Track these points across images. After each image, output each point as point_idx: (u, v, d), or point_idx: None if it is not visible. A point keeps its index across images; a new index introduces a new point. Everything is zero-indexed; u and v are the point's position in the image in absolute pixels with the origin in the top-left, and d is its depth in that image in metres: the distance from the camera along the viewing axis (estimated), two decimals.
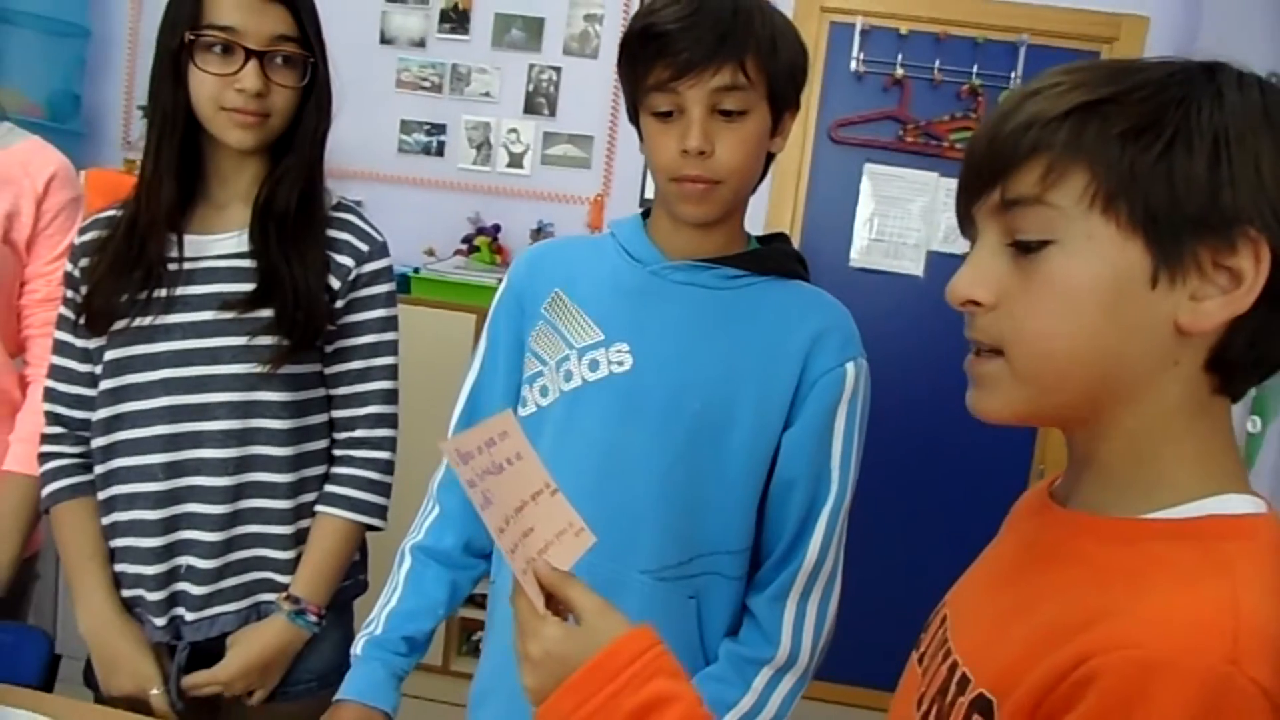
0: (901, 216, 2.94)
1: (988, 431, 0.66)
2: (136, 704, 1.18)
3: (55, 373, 1.25)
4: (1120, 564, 0.58)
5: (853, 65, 2.88)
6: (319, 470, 1.25)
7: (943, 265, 2.93)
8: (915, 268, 2.96)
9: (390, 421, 1.28)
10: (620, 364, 1.03)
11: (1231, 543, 0.56)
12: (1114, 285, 0.58)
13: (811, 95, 2.92)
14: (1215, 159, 0.56)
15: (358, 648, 1.10)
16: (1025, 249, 0.60)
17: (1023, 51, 2.81)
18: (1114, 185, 0.57)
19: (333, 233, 1.24)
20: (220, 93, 1.14)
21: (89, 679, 1.26)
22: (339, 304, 1.23)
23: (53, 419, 1.25)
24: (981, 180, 0.63)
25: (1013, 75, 2.82)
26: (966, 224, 0.66)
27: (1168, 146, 0.56)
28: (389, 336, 1.28)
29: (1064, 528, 0.65)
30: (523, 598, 0.70)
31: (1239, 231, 0.56)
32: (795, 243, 2.96)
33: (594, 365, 1.04)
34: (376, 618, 1.11)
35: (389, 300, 1.28)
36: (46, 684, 1.22)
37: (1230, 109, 0.57)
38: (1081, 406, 0.61)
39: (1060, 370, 0.60)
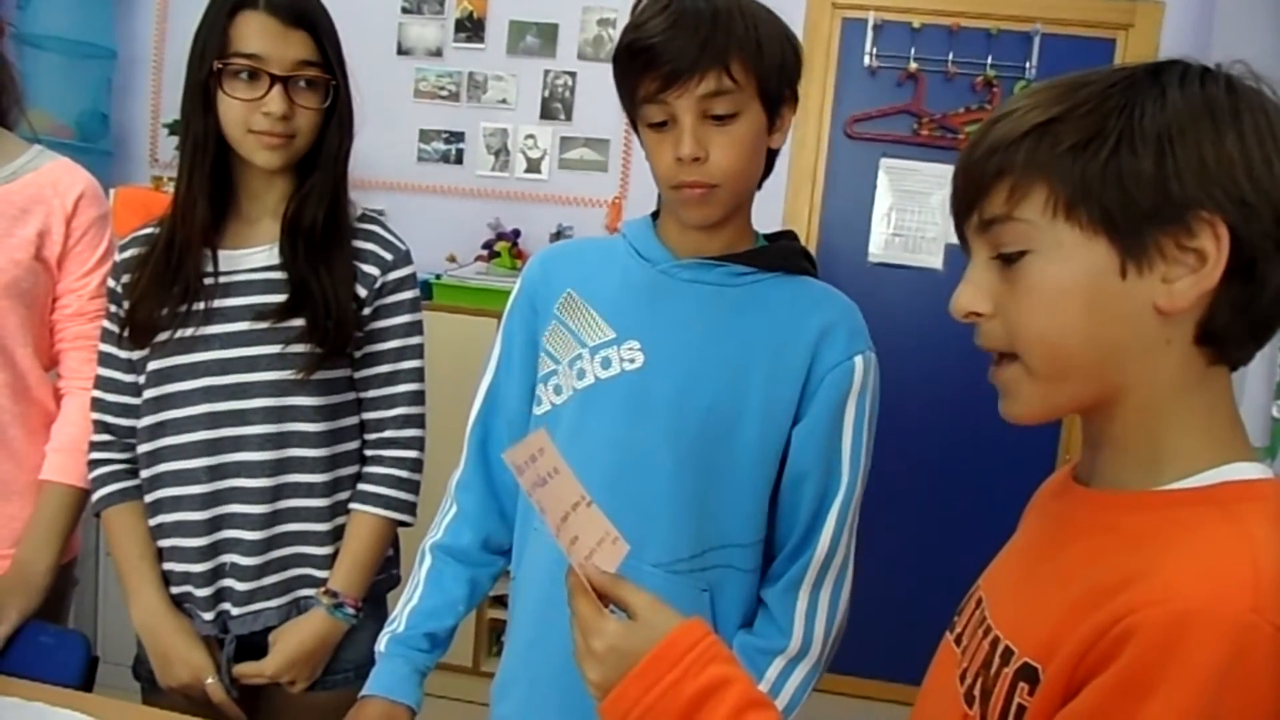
0: (920, 210, 2.94)
1: (1012, 424, 0.70)
2: (193, 693, 1.24)
3: (101, 383, 1.31)
4: (1146, 530, 0.63)
5: (866, 60, 2.88)
6: (352, 470, 1.30)
7: (963, 258, 2.90)
8: (935, 261, 2.95)
9: (418, 422, 1.33)
10: (632, 361, 1.05)
11: (1244, 504, 0.61)
12: (1088, 282, 0.64)
13: (825, 91, 2.92)
14: (1160, 155, 0.61)
15: (381, 645, 1.13)
16: (1008, 260, 0.67)
17: (1037, 41, 2.80)
18: (1070, 194, 0.63)
19: (358, 243, 1.29)
20: (247, 117, 1.19)
21: (138, 672, 1.32)
22: (366, 311, 1.28)
23: (100, 427, 1.31)
24: (963, 204, 0.70)
25: (1027, 65, 2.81)
26: (964, 244, 0.73)
27: (1113, 152, 0.62)
28: (415, 340, 1.32)
29: (1090, 505, 0.70)
30: (584, 600, 0.74)
31: (1193, 216, 0.61)
32: (813, 240, 3.00)
33: (606, 363, 1.06)
34: (399, 615, 1.14)
35: (414, 306, 1.33)
36: (85, 686, 1.25)
37: (1172, 106, 0.62)
38: (1092, 393, 0.66)
39: (1063, 361, 0.66)
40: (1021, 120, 0.65)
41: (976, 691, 0.69)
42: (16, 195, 1.34)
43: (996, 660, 0.68)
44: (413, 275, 1.33)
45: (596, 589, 0.74)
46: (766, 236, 1.12)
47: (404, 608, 1.14)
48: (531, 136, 3.04)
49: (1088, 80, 0.65)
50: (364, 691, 1.11)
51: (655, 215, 1.13)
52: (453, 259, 2.98)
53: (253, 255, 1.26)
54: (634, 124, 1.06)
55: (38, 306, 1.38)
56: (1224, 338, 0.64)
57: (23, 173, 1.36)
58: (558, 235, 3.00)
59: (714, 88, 0.96)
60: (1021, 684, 0.64)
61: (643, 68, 0.98)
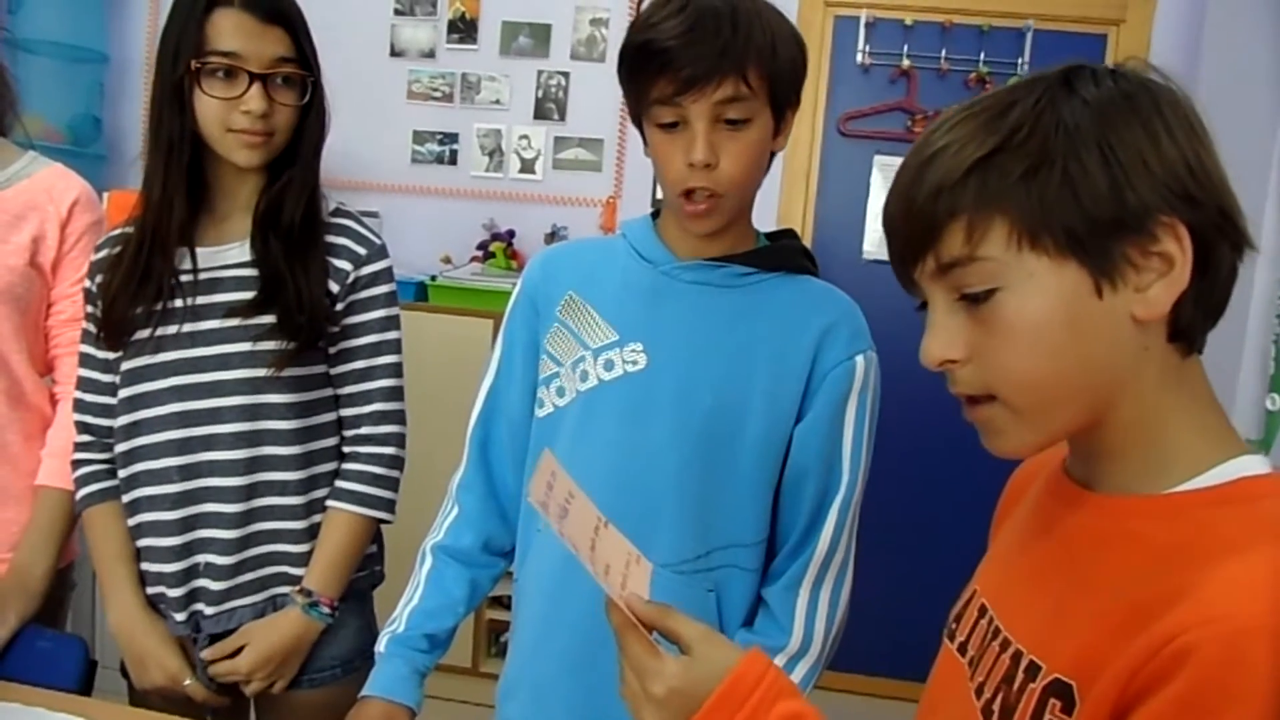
0: None
1: None
2: (168, 694, 1.24)
3: (82, 384, 1.30)
4: (1174, 539, 0.61)
5: (859, 58, 2.89)
6: (329, 467, 1.29)
7: None
8: None
9: (395, 418, 1.31)
10: (635, 363, 1.05)
11: (1265, 502, 0.61)
12: (1065, 308, 0.62)
13: (819, 89, 2.93)
14: (1106, 164, 0.60)
15: (381, 645, 1.13)
16: (975, 300, 0.65)
17: (1029, 37, 2.81)
18: (1032, 222, 0.62)
19: (331, 238, 1.28)
20: (226, 115, 1.18)
21: (126, 671, 1.30)
22: (339, 307, 1.27)
23: (82, 428, 1.31)
24: (912, 250, 0.67)
25: (1019, 61, 2.82)
26: (911, 287, 0.70)
27: (1064, 172, 0.61)
28: (391, 336, 1.31)
29: (1103, 512, 0.67)
30: (635, 639, 0.70)
31: (1153, 222, 0.61)
32: (808, 238, 3.01)
33: (609, 365, 1.06)
34: (399, 616, 1.14)
35: (389, 300, 1.31)
36: (84, 690, 1.25)
37: (1097, 111, 0.61)
38: (1083, 416, 0.66)
39: (1050, 395, 0.64)
40: (959, 157, 0.63)
41: (996, 706, 0.67)
42: (11, 201, 1.34)
43: (1020, 675, 0.66)
44: (388, 270, 1.31)
45: (642, 621, 0.70)
46: (767, 236, 1.12)
47: (404, 608, 1.14)
48: (525, 137, 3.04)
49: (1009, 100, 0.63)
50: (364, 692, 1.10)
51: (655, 215, 1.13)
52: (448, 260, 2.97)
53: (225, 252, 1.25)
54: (637, 121, 1.05)
55: (32, 312, 1.38)
56: (1191, 329, 0.64)
57: (18, 179, 1.36)
58: (552, 235, 3.00)
59: (730, 94, 0.95)
60: (1052, 700, 0.62)
61: (657, 70, 0.96)
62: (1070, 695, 0.61)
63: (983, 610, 0.75)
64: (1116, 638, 0.59)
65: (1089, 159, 0.60)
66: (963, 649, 0.76)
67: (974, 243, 0.63)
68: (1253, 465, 0.63)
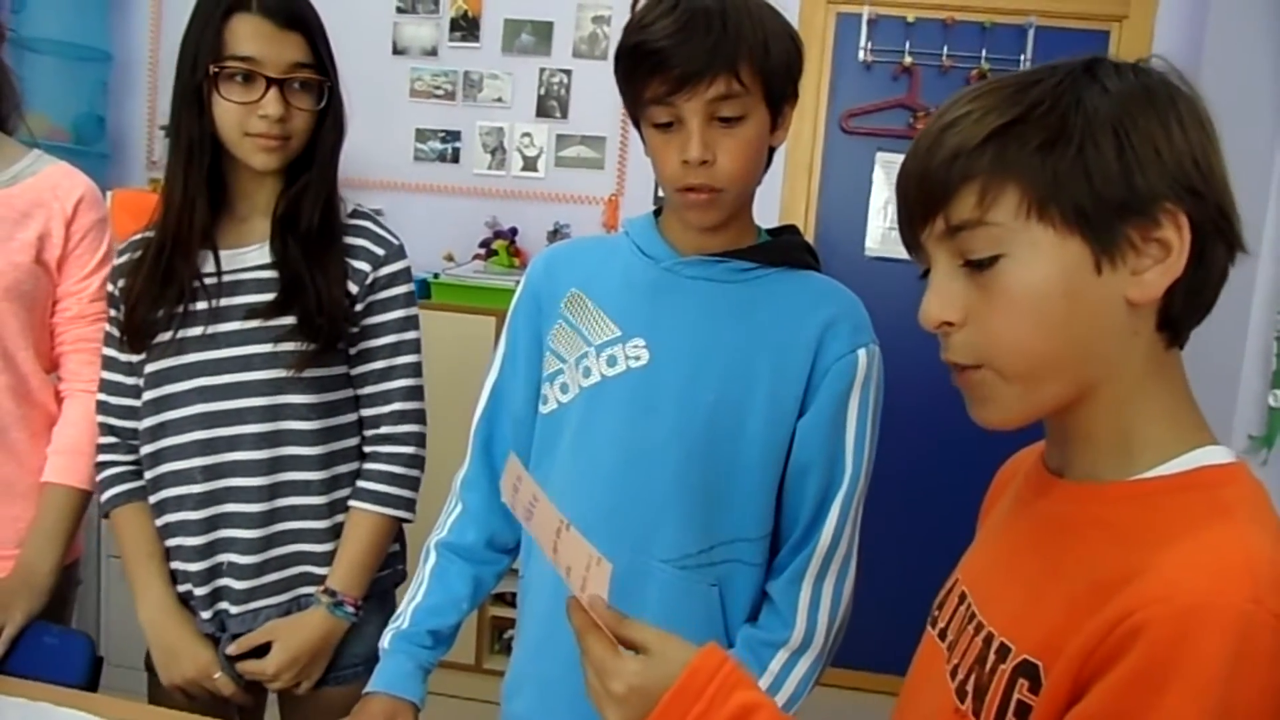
0: None
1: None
2: (193, 690, 1.25)
3: (105, 386, 1.32)
4: (1134, 522, 0.63)
5: (861, 55, 2.88)
6: (351, 466, 1.31)
7: None
8: None
9: (414, 417, 1.32)
10: (637, 359, 1.06)
11: (1225, 489, 0.63)
12: (1065, 281, 0.64)
13: (821, 86, 2.92)
14: (1120, 148, 0.62)
15: (385, 641, 1.13)
16: (978, 266, 0.66)
17: (1031, 34, 2.80)
18: (1043, 193, 0.63)
19: (349, 239, 1.29)
20: (244, 119, 1.19)
21: (150, 665, 1.32)
22: (359, 308, 1.28)
23: (106, 430, 1.32)
24: (923, 212, 0.68)
25: (1022, 58, 2.82)
26: (916, 252, 0.72)
27: (1079, 149, 0.62)
28: (410, 336, 1.32)
29: (1074, 499, 0.70)
30: (595, 639, 0.72)
31: (1158, 208, 0.62)
32: (810, 234, 3.01)
33: (612, 361, 1.07)
34: (403, 612, 1.14)
35: (408, 301, 1.32)
36: (90, 686, 1.26)
37: (1117, 98, 0.63)
38: (1070, 392, 0.67)
39: (1041, 364, 0.66)
40: (980, 124, 0.65)
41: (970, 687, 0.69)
42: (17, 199, 1.35)
43: (992, 656, 0.68)
44: (406, 270, 1.33)
45: (602, 623, 0.72)
46: (769, 231, 1.13)
47: (408, 604, 1.15)
48: (528, 135, 3.04)
49: (1033, 79, 0.65)
50: (368, 688, 1.11)
51: (657, 212, 1.13)
52: (450, 258, 2.98)
53: (245, 254, 1.26)
54: (635, 121, 1.06)
55: (38, 309, 1.38)
56: (1179, 321, 0.66)
57: (23, 177, 1.37)
58: (555, 233, 3.00)
59: (723, 91, 0.96)
60: (1021, 680, 0.64)
61: (650, 70, 0.97)
62: (1037, 675, 0.63)
63: (962, 597, 0.77)
64: (1078, 618, 0.60)
65: (1104, 141, 0.62)
66: (943, 634, 0.78)
67: (985, 207, 0.65)
68: (1215, 455, 0.65)
